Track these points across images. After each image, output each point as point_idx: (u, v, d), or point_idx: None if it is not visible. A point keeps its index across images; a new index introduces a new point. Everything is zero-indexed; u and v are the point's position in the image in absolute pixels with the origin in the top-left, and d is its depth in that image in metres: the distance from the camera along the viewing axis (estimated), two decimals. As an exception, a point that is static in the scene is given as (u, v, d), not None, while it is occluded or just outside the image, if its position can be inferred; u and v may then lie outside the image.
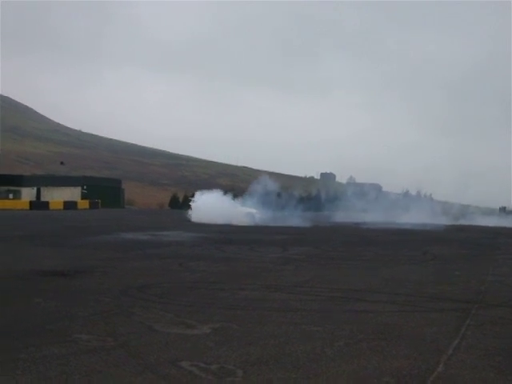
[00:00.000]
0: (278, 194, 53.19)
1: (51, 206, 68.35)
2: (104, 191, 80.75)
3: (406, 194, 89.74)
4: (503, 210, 69.50)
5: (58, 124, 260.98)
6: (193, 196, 51.39)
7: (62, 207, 69.02)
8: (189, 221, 43.74)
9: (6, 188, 74.37)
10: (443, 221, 48.64)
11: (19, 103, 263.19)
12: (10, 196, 73.98)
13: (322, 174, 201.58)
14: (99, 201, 76.41)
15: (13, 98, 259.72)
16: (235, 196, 51.53)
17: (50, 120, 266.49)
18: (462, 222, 52.16)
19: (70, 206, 70.11)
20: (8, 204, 66.74)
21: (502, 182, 72.22)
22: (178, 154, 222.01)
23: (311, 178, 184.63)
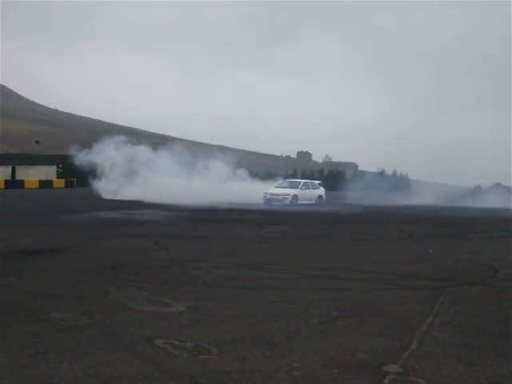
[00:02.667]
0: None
1: (26, 185, 67.83)
2: (80, 170, 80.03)
3: (382, 174, 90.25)
4: (478, 188, 69.80)
5: (34, 102, 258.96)
6: None
7: (37, 186, 68.56)
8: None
9: (-20, 167, 73.79)
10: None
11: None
12: (-15, 175, 73.41)
13: (298, 153, 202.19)
14: (75, 180, 75.96)
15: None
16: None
17: (25, 98, 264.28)
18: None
19: (45, 184, 69.64)
20: (-18, 183, 66.18)
21: (489, 158, 71.76)
22: (153, 133, 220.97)
23: (287, 157, 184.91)
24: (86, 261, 12.46)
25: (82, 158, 45.99)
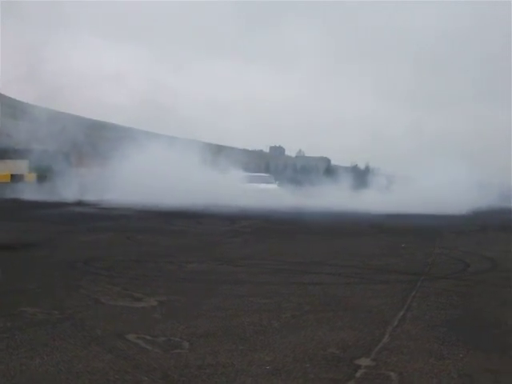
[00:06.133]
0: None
1: (-3, 179, 67.26)
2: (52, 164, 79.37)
3: (355, 169, 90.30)
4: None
5: (3, 95, 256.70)
6: None
7: (9, 180, 67.97)
8: None
9: None
10: None
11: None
12: (-46, 170, 72.68)
13: (271, 148, 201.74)
14: (46, 175, 75.37)
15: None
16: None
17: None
18: None
19: (17, 179, 69.08)
20: (-48, 178, 65.51)
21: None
22: (128, 128, 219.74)
23: (260, 152, 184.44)
24: (58, 255, 12.39)
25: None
